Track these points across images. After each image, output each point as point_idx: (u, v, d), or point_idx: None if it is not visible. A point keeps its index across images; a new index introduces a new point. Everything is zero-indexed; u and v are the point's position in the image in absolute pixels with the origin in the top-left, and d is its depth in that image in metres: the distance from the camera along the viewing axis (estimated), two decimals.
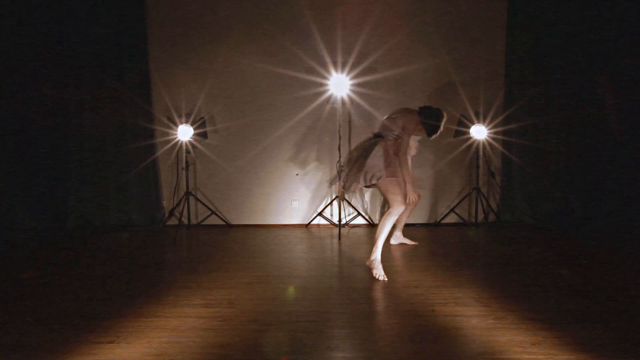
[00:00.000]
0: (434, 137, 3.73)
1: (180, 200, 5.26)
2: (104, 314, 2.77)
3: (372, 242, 3.88)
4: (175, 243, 4.68)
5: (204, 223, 5.53)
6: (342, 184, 3.64)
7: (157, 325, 2.59)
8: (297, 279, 3.47)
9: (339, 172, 3.81)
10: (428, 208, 5.51)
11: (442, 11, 5.25)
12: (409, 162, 3.90)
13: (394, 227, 4.44)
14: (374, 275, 3.45)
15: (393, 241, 4.49)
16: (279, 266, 3.70)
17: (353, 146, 5.34)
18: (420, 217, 5.51)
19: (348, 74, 5.01)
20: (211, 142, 5.41)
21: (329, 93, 5.02)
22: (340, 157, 5.05)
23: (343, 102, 5.03)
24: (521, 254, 4.14)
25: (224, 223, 5.50)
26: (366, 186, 3.58)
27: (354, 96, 5.15)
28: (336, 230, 5.06)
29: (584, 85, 5.17)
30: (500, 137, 5.24)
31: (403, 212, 3.93)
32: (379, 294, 3.16)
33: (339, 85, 4.86)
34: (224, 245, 4.64)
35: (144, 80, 5.34)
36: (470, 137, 5.14)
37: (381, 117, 5.38)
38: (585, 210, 5.28)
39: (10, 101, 4.97)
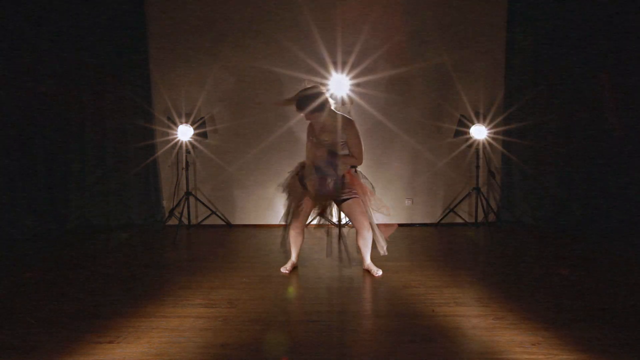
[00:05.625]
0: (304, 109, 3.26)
1: (180, 200, 5.26)
2: (104, 314, 2.77)
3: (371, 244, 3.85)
4: (175, 243, 4.68)
5: (204, 223, 5.53)
6: None
7: (157, 325, 2.59)
8: (297, 279, 3.47)
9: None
10: (428, 208, 5.51)
11: (442, 11, 5.25)
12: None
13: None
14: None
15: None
16: (279, 266, 3.70)
17: None
18: (420, 217, 5.51)
19: (348, 74, 5.01)
20: (211, 142, 5.41)
21: (329, 93, 5.02)
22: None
23: (343, 102, 5.02)
24: (521, 254, 4.14)
25: (224, 223, 5.50)
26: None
27: (354, 96, 5.14)
28: (336, 230, 5.06)
29: (584, 85, 5.17)
30: (500, 137, 5.24)
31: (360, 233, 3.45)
32: (379, 294, 3.16)
33: (339, 85, 4.87)
34: (224, 245, 4.64)
35: (144, 80, 5.34)
36: (470, 137, 5.14)
37: (381, 116, 5.43)
38: (585, 210, 5.28)
39: (10, 101, 4.97)
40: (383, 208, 3.47)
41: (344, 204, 3.42)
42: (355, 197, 3.38)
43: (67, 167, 5.38)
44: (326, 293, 3.15)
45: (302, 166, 3.53)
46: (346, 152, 3.36)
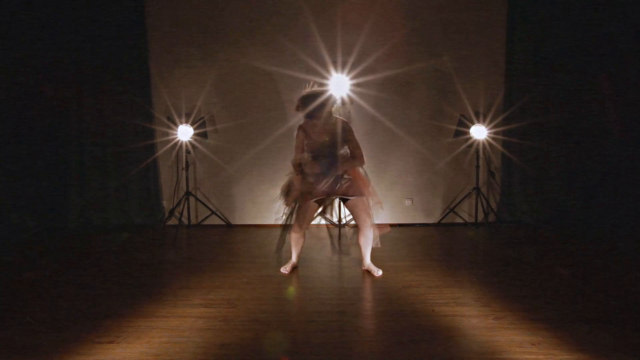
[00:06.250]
0: (316, 113, 3.37)
1: (180, 200, 5.26)
2: (104, 314, 2.77)
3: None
4: (175, 243, 4.68)
5: (204, 223, 5.52)
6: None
7: (157, 325, 2.59)
8: (297, 279, 3.47)
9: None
10: (428, 208, 5.50)
11: (442, 11, 5.25)
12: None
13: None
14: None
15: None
16: (279, 266, 3.70)
17: None
18: (420, 217, 5.51)
19: (348, 74, 5.01)
20: (211, 142, 5.41)
21: (329, 93, 5.02)
22: None
23: (343, 102, 5.02)
24: (521, 254, 4.14)
25: (224, 223, 5.50)
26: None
27: (354, 96, 5.14)
28: (336, 230, 5.05)
29: (584, 85, 5.17)
30: (500, 137, 5.24)
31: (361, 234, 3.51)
32: (378, 294, 3.16)
33: (339, 85, 4.86)
34: (224, 245, 4.64)
35: (144, 80, 5.33)
36: (470, 137, 5.14)
37: (381, 116, 5.43)
38: (585, 210, 5.28)
39: (10, 101, 4.97)
40: (377, 203, 3.51)
41: (349, 202, 3.45)
42: (360, 195, 3.40)
43: (67, 167, 5.37)
44: (326, 293, 3.15)
45: (299, 167, 3.47)
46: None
